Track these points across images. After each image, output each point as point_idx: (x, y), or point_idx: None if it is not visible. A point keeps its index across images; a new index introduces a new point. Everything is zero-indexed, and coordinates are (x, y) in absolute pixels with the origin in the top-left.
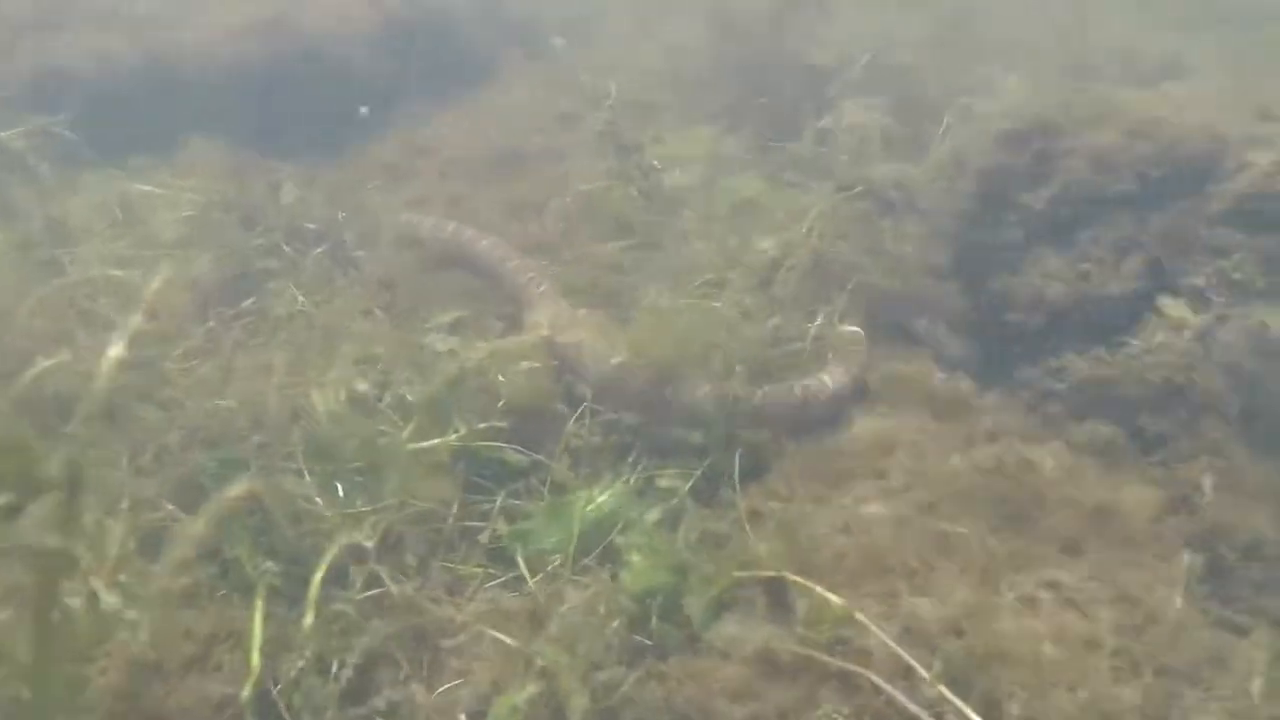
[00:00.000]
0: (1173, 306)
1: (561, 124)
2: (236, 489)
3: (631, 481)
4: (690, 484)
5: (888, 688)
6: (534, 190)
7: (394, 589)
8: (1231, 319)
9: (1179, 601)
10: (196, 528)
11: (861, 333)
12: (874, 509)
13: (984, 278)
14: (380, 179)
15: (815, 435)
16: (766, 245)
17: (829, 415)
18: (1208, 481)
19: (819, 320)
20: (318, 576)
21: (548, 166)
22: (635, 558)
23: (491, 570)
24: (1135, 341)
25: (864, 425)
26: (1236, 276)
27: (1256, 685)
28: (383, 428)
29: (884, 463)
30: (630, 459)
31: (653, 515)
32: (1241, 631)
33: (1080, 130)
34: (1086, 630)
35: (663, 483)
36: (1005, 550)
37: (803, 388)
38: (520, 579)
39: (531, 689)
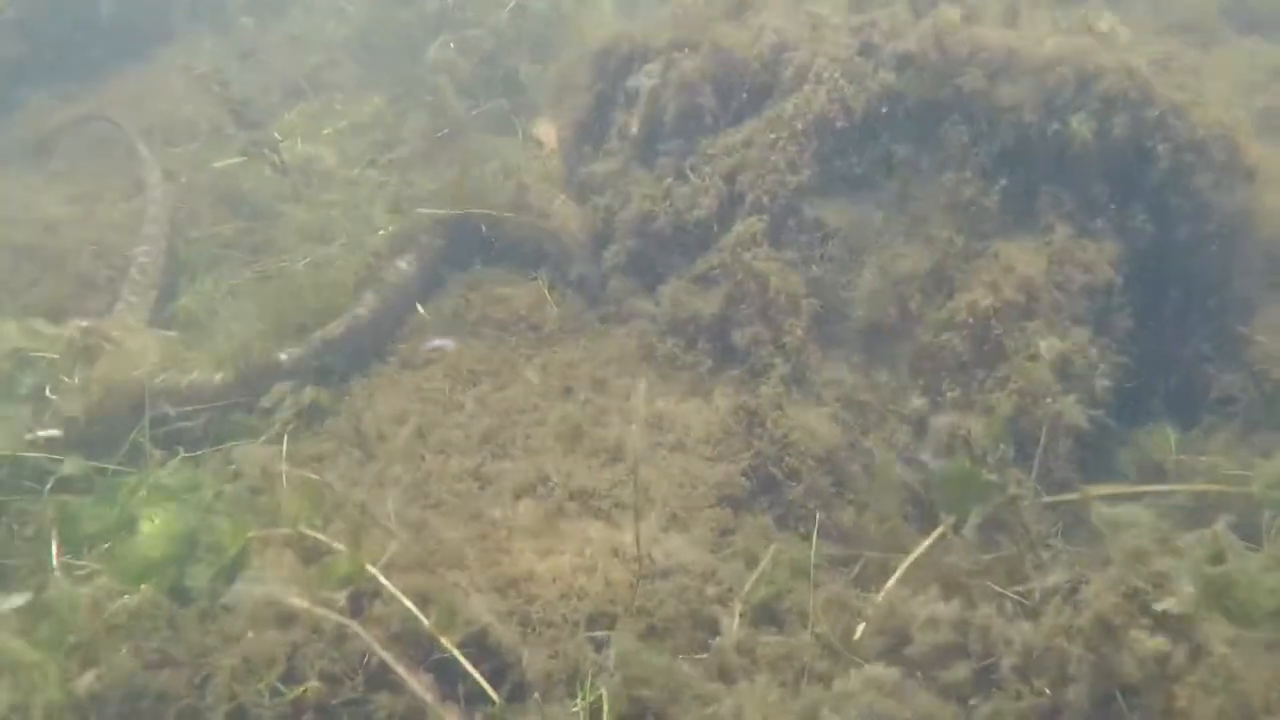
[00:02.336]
0: (747, 221)
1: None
2: None
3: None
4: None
5: (372, 642)
6: (173, 168)
7: None
8: (794, 222)
9: None
10: None
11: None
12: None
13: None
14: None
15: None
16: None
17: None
18: (774, 388)
19: None
20: None
21: (190, 143)
22: (147, 526)
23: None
24: (715, 259)
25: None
26: (791, 181)
27: None
28: None
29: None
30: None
31: (170, 479)
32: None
33: (666, 52)
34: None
35: (236, 452)
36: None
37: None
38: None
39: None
